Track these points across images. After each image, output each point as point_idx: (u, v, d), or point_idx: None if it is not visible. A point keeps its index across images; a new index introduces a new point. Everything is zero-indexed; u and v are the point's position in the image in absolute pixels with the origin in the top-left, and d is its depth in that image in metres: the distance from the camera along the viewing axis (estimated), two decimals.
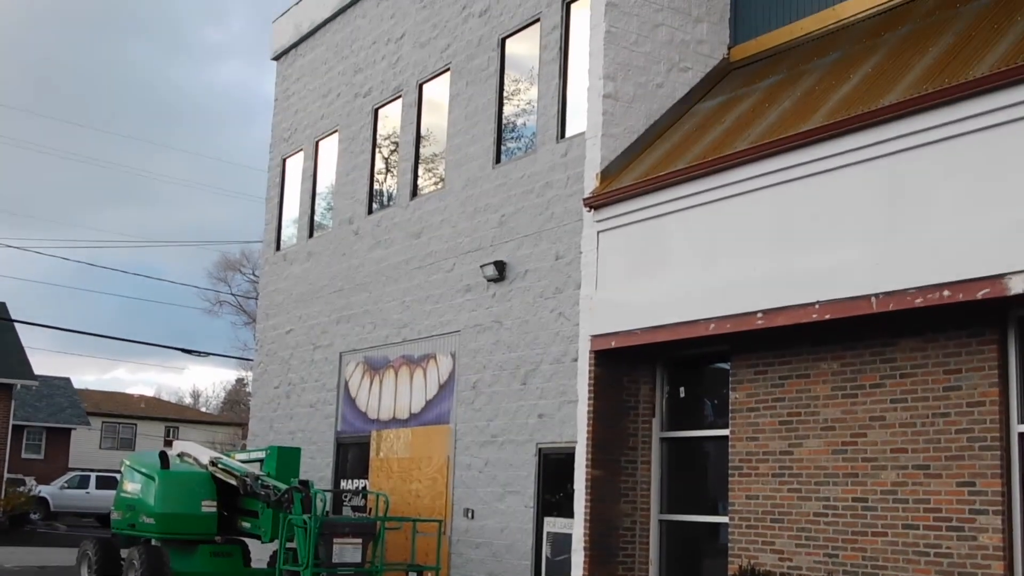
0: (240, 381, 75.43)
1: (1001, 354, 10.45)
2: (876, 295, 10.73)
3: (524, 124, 17.52)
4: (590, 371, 14.18)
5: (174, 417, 71.00)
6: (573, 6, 16.50)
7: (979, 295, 9.88)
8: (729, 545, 12.84)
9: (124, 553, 18.64)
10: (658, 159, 13.96)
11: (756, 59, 15.19)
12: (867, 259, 10.86)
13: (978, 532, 10.34)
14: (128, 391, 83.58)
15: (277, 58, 26.27)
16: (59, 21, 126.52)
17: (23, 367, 42.81)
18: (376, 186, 21.49)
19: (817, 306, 11.29)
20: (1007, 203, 9.78)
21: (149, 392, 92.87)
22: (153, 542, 18.48)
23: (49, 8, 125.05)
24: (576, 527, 14.05)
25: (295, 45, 25.21)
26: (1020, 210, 9.67)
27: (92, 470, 48.97)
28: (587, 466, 14.00)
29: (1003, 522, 10.20)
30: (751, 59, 15.30)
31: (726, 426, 13.21)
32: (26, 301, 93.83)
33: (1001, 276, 9.71)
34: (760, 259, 12.03)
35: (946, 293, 10.13)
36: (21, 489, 43.13)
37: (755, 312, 11.97)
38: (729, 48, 15.71)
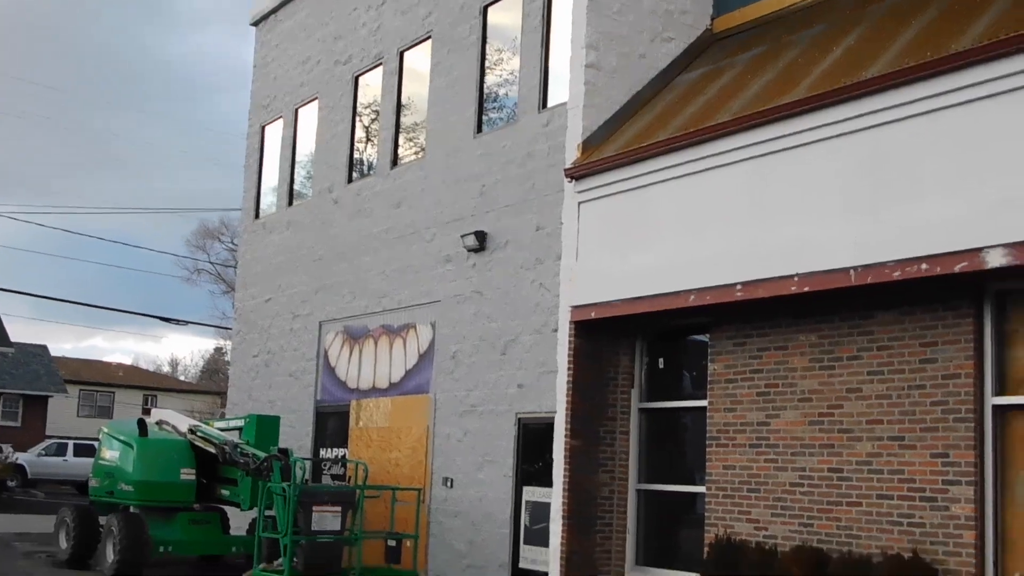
0: (219, 350, 75.14)
1: (977, 327, 10.57)
2: (855, 268, 10.81)
3: (506, 94, 17.51)
4: (570, 342, 14.24)
5: (152, 386, 70.98)
6: None
7: (956, 268, 9.97)
8: (706, 515, 12.95)
9: (102, 520, 18.68)
10: (640, 130, 13.99)
11: (739, 31, 15.17)
12: (846, 232, 10.93)
13: (951, 503, 10.49)
14: (106, 359, 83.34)
15: (256, 23, 26.10)
16: None
17: (0, 333, 42.66)
18: (356, 155, 21.47)
19: (796, 279, 11.37)
20: (987, 177, 9.87)
21: (127, 360, 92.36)
22: (131, 509, 18.52)
23: None
24: (555, 496, 14.15)
25: (275, 11, 25.07)
26: (1000, 184, 9.76)
27: (69, 438, 48.94)
28: (566, 436, 14.08)
29: (975, 493, 10.35)
30: (734, 30, 15.28)
31: (704, 397, 13.30)
32: (2, 267, 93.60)
33: (979, 250, 9.80)
34: (740, 231, 12.08)
35: (924, 266, 10.22)
36: None
37: (735, 284, 12.03)
38: (712, 19, 15.70)
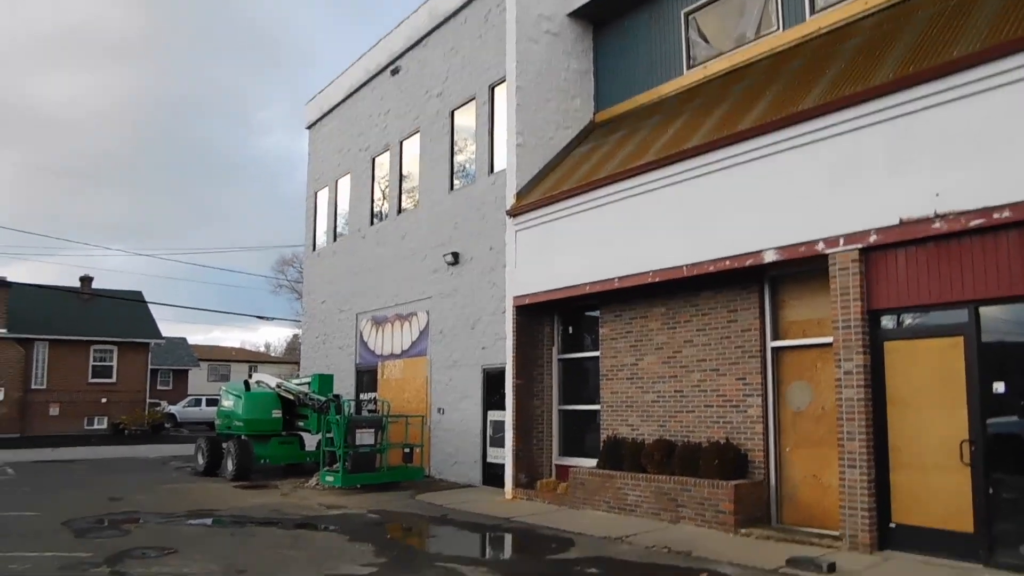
0: (295, 335, 74.42)
1: (760, 300, 10.77)
2: (686, 265, 10.97)
3: (468, 165, 17.50)
4: (513, 319, 14.34)
5: (253, 360, 69.81)
6: (496, 89, 16.46)
7: (747, 263, 10.17)
8: (601, 423, 13.11)
9: (224, 445, 18.53)
10: (551, 184, 14.09)
11: (611, 121, 15.29)
12: (681, 244, 11.07)
13: (748, 408, 10.70)
14: (223, 344, 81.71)
15: (309, 127, 25.92)
16: (161, 106, 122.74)
17: (155, 331, 42.01)
18: (375, 207, 21.37)
19: (651, 274, 11.53)
20: (760, 208, 10.07)
21: (237, 344, 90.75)
22: (242, 437, 18.38)
23: (156, 96, 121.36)
24: (507, 416, 14.25)
25: (320, 119, 24.86)
26: (766, 213, 9.97)
27: (203, 395, 48.29)
28: (513, 378, 14.19)
29: (762, 401, 10.57)
30: (608, 121, 15.40)
31: (597, 350, 13.44)
32: (155, 289, 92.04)
33: (760, 251, 10.01)
34: (616, 245, 12.19)
35: (728, 263, 10.41)
36: (158, 408, 42.89)
37: (613, 278, 12.18)
38: (594, 114, 15.82)
